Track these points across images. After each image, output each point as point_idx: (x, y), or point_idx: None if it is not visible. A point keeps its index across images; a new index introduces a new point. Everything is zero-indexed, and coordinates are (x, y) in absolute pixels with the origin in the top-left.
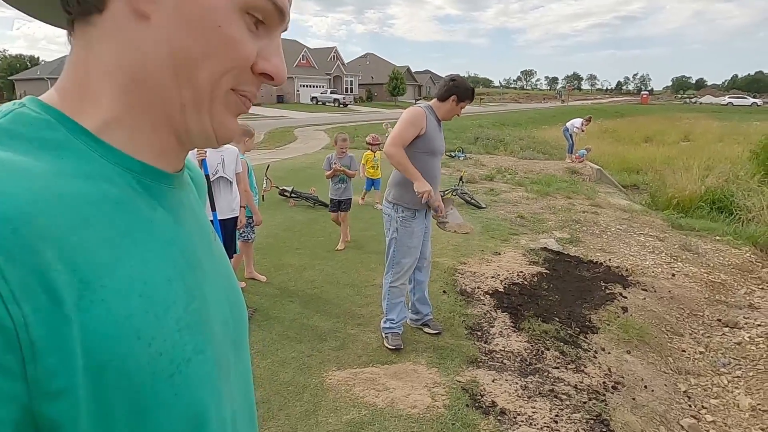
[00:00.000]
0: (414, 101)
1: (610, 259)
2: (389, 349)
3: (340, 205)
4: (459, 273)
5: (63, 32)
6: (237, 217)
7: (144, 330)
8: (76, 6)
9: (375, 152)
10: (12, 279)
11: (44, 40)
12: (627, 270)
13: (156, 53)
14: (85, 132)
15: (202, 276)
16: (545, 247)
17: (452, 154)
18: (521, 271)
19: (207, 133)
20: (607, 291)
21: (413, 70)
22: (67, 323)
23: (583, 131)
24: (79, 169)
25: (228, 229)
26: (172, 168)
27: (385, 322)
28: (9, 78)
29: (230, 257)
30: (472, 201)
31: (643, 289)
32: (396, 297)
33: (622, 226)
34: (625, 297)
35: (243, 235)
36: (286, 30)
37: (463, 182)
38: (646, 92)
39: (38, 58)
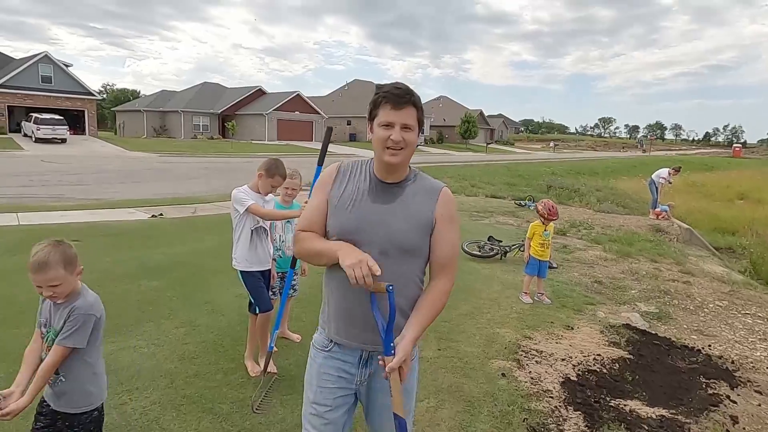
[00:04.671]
0: (485, 144)
1: (710, 345)
2: None
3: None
4: (522, 351)
5: (166, 69)
6: (270, 270)
7: None
8: None
9: (547, 225)
10: None
11: (149, 77)
12: (732, 362)
13: None
14: None
15: None
16: (628, 324)
17: (522, 203)
18: (599, 355)
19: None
20: (709, 391)
21: (486, 114)
22: None
23: (670, 183)
24: None
25: (265, 281)
26: None
27: None
28: (112, 109)
29: (262, 311)
30: None
31: (756, 391)
32: None
33: (722, 302)
34: (734, 402)
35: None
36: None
37: None
38: (739, 145)
39: (138, 91)
